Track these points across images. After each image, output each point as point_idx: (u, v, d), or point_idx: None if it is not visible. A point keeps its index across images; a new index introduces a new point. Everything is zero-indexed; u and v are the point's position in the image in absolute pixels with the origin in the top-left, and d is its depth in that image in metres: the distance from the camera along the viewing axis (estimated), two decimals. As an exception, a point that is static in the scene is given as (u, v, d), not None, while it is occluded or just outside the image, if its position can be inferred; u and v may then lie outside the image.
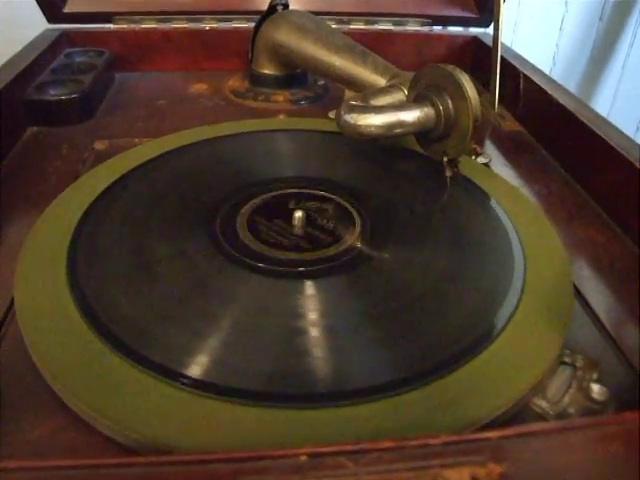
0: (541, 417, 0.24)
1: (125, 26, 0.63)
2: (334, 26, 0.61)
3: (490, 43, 0.43)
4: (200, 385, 0.23)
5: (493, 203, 0.37)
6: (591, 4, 0.94)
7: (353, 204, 0.36)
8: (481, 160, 0.44)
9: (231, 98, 0.57)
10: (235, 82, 0.59)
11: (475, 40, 0.67)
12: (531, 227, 0.34)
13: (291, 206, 0.35)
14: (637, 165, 0.36)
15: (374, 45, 0.51)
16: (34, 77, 0.52)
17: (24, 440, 0.22)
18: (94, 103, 0.53)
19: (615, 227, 0.38)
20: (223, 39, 0.63)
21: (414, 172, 0.41)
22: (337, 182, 0.39)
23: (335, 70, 0.49)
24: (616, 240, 0.37)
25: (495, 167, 0.45)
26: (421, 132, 0.38)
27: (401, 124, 0.36)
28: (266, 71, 0.57)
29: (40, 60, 0.54)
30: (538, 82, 0.52)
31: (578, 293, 0.31)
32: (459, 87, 0.36)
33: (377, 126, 0.36)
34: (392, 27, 0.67)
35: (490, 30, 0.66)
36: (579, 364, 0.26)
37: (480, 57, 0.65)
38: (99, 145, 0.46)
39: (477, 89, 0.36)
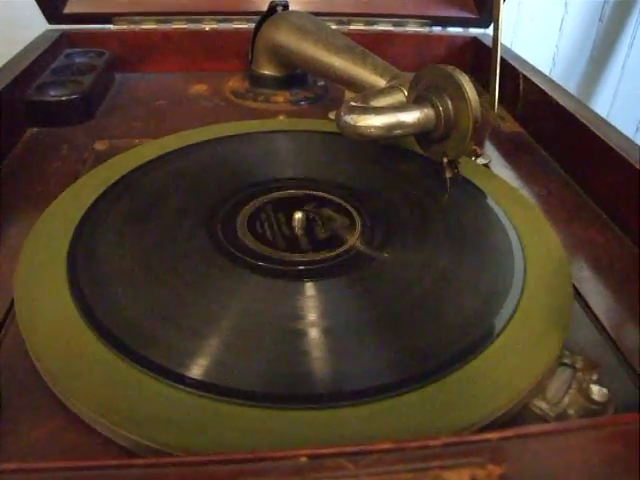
0: (541, 418, 0.24)
1: (125, 27, 0.63)
2: (334, 27, 0.61)
3: (490, 44, 0.43)
4: (200, 386, 0.23)
5: (493, 204, 0.37)
6: (591, 5, 0.94)
7: (353, 205, 0.36)
8: (481, 161, 0.44)
9: (231, 99, 0.57)
10: (235, 83, 0.59)
11: (475, 41, 0.67)
12: (531, 228, 0.34)
13: (291, 207, 0.35)
14: (637, 166, 0.36)
15: (374, 46, 0.51)
16: (34, 78, 0.52)
17: (24, 441, 0.22)
18: (94, 104, 0.53)
19: (615, 228, 0.38)
20: (223, 40, 0.63)
21: (414, 173, 0.41)
22: (337, 183, 0.39)
23: (335, 71, 0.49)
24: (616, 241, 0.37)
25: (495, 168, 0.45)
26: (421, 133, 0.38)
27: (401, 125, 0.36)
28: (266, 72, 0.57)
29: (40, 61, 0.54)
30: (538, 83, 0.52)
31: (578, 294, 0.31)
32: (459, 88, 0.36)
33: (377, 127, 0.36)
34: (392, 28, 0.67)
35: (490, 31, 0.66)
36: (579, 365, 0.26)
37: (480, 58, 0.65)
38: (99, 146, 0.46)
39: (477, 90, 0.36)
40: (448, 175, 0.38)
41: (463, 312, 0.28)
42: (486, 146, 0.49)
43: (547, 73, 0.59)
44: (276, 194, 0.37)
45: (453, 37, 0.67)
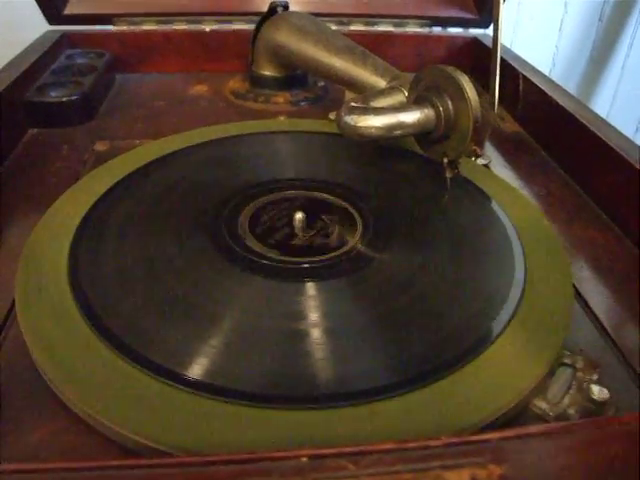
0: (541, 418, 0.24)
1: (125, 28, 0.63)
2: (334, 27, 0.61)
3: (490, 44, 0.43)
4: (201, 386, 0.23)
5: (493, 204, 0.37)
6: (590, 5, 0.95)
7: (354, 205, 0.36)
8: (481, 161, 0.44)
9: (231, 99, 0.57)
10: (235, 83, 0.59)
11: (475, 41, 0.67)
12: (531, 228, 0.34)
13: (291, 207, 0.35)
14: (637, 166, 0.36)
15: (374, 46, 0.51)
16: (35, 79, 0.52)
17: (24, 442, 0.22)
18: (94, 104, 0.53)
19: (615, 228, 0.38)
20: (223, 40, 0.64)
21: (414, 173, 0.41)
22: (337, 183, 0.39)
23: (335, 72, 0.49)
24: (616, 241, 0.37)
25: (495, 168, 0.45)
26: (421, 133, 0.38)
27: (401, 125, 0.37)
28: (266, 72, 0.57)
29: (40, 62, 0.54)
30: (538, 83, 0.52)
31: (578, 294, 0.31)
32: (459, 88, 0.36)
33: (377, 127, 0.36)
34: (392, 28, 0.67)
35: (490, 31, 0.66)
36: (579, 365, 0.26)
37: (480, 58, 0.65)
38: (100, 146, 0.46)
39: (477, 90, 0.36)
40: (448, 175, 0.38)
41: (463, 313, 0.28)
42: (486, 146, 0.49)
43: (547, 73, 0.59)
44: (276, 195, 0.37)
45: (453, 37, 0.67)
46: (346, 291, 0.29)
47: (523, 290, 0.29)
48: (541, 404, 0.24)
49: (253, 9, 0.64)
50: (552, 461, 0.17)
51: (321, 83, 0.60)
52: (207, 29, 0.64)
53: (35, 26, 0.61)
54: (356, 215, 0.35)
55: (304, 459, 0.17)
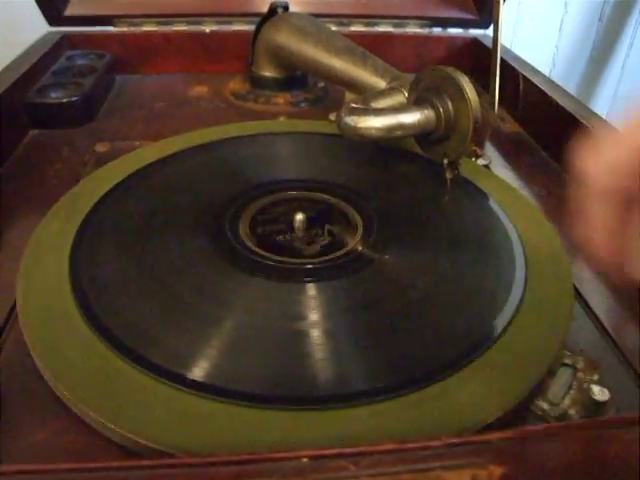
0: (542, 419, 0.24)
1: (125, 29, 0.63)
2: (334, 28, 0.61)
3: (490, 45, 0.43)
4: (201, 387, 0.23)
5: (493, 205, 0.37)
6: (590, 5, 0.95)
7: (354, 206, 0.36)
8: (481, 162, 0.44)
9: (232, 100, 0.57)
10: (235, 84, 0.60)
11: (475, 42, 0.67)
12: (531, 229, 0.34)
13: (292, 209, 0.35)
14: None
15: (374, 47, 0.51)
16: (35, 80, 0.52)
17: (26, 442, 0.22)
18: (95, 106, 0.53)
19: (615, 228, 0.38)
20: (223, 41, 0.64)
21: (415, 174, 0.41)
22: (338, 184, 0.39)
23: (335, 72, 0.49)
24: (616, 241, 0.37)
25: (495, 169, 0.45)
26: (421, 134, 0.38)
27: (401, 126, 0.37)
28: (266, 73, 0.57)
29: (41, 63, 0.54)
30: (538, 83, 0.52)
31: (578, 294, 0.31)
32: (459, 89, 0.36)
33: (377, 128, 0.36)
34: (392, 29, 0.67)
35: (490, 32, 0.66)
36: (579, 365, 0.26)
37: (480, 59, 0.65)
38: (100, 148, 0.46)
39: (477, 91, 0.36)
40: (449, 176, 0.38)
41: (464, 313, 0.28)
42: (486, 147, 0.49)
43: (547, 73, 0.59)
44: (277, 196, 0.37)
45: (453, 38, 0.67)
46: (346, 292, 0.29)
47: (524, 290, 0.29)
48: (542, 404, 0.24)
49: (253, 10, 0.64)
50: (553, 461, 0.17)
51: (321, 84, 0.60)
52: (207, 30, 0.64)
53: (35, 27, 0.61)
54: (356, 216, 0.35)
55: (305, 460, 0.17)
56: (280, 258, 0.31)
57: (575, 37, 0.97)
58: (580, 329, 0.29)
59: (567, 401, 0.24)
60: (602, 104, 1.04)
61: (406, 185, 0.40)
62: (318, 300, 0.28)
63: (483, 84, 0.45)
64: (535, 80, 0.53)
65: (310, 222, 0.34)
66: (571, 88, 0.99)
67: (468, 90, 0.36)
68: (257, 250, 0.32)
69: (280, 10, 0.56)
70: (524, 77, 0.54)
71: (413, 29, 0.67)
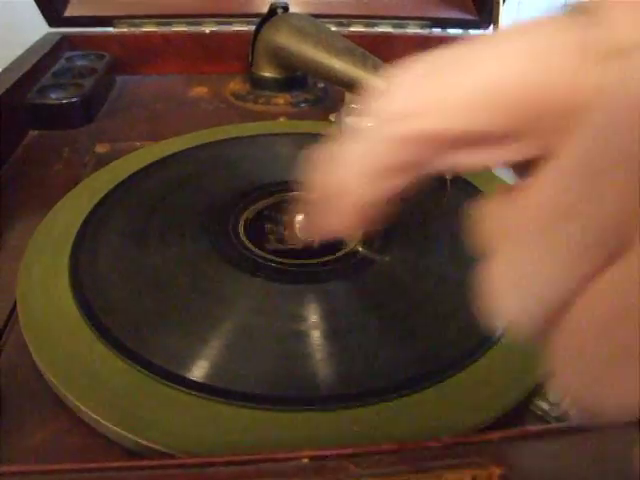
0: (542, 419, 0.24)
1: (125, 29, 0.63)
2: (334, 29, 0.61)
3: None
4: (201, 388, 0.23)
5: (493, 205, 0.37)
6: (590, 6, 0.95)
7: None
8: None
9: (232, 101, 0.57)
10: (235, 85, 0.60)
11: (475, 42, 0.67)
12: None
13: (292, 210, 0.35)
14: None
15: (374, 48, 0.51)
16: (35, 81, 0.52)
17: (26, 443, 0.22)
18: (95, 106, 0.53)
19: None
20: (223, 42, 0.64)
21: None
22: (337, 185, 0.39)
23: (335, 73, 0.49)
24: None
25: (496, 169, 0.45)
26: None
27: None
28: (266, 74, 0.57)
29: (41, 64, 0.54)
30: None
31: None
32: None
33: (377, 129, 0.36)
34: (392, 30, 0.67)
35: (490, 32, 0.66)
36: (580, 366, 0.26)
37: (480, 59, 0.65)
38: (100, 148, 0.46)
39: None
40: (448, 177, 0.38)
41: (465, 314, 0.28)
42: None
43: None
44: (277, 197, 0.37)
45: (453, 39, 0.67)
46: (347, 293, 0.29)
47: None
48: (542, 405, 0.24)
49: (253, 10, 0.64)
50: (553, 462, 0.18)
51: (321, 84, 0.60)
52: (207, 31, 0.64)
53: (35, 28, 0.61)
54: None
55: (305, 460, 0.17)
56: (280, 259, 0.31)
57: (575, 37, 0.97)
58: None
59: (567, 401, 0.24)
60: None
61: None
62: (318, 301, 0.28)
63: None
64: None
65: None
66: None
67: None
68: (257, 251, 0.32)
69: (280, 11, 0.56)
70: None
71: (413, 30, 0.67)
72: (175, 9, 0.64)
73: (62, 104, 0.49)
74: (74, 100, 0.49)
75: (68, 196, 0.36)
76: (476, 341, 0.26)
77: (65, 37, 0.61)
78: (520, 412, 0.24)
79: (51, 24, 0.62)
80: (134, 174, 0.39)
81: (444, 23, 0.69)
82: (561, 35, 0.11)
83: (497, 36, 0.13)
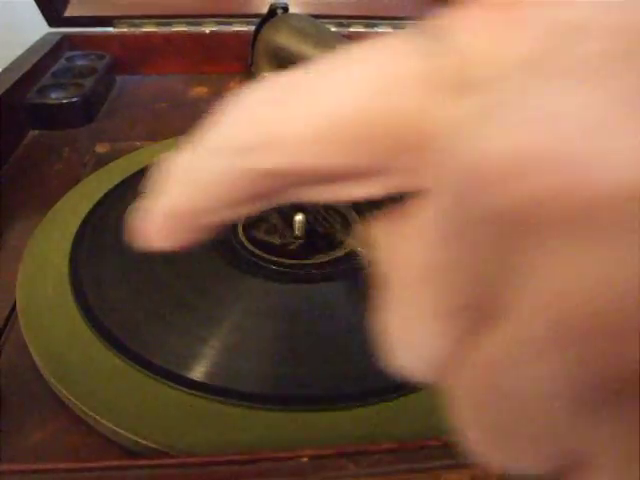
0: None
1: (126, 29, 0.63)
2: (334, 29, 0.61)
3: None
4: (201, 387, 0.23)
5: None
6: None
7: (355, 207, 0.36)
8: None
9: (232, 101, 0.57)
10: (236, 85, 0.60)
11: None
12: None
13: (292, 209, 0.35)
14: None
15: (374, 48, 0.51)
16: (35, 81, 0.52)
17: (26, 442, 0.22)
18: (95, 106, 0.53)
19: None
20: (223, 42, 0.64)
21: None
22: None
23: (335, 73, 0.49)
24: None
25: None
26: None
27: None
28: (266, 74, 0.57)
29: (41, 64, 0.54)
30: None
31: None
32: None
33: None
34: (392, 30, 0.67)
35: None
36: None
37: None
38: (100, 148, 0.46)
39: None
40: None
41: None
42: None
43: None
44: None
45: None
46: (346, 292, 0.29)
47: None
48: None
49: (253, 11, 0.64)
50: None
51: (321, 85, 0.60)
52: (207, 31, 0.64)
53: (35, 28, 0.61)
54: (356, 216, 0.35)
55: (305, 459, 0.17)
56: (280, 259, 0.31)
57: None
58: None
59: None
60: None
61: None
62: (318, 300, 0.28)
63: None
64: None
65: (310, 223, 0.34)
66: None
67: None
68: (257, 251, 0.32)
69: (280, 11, 0.56)
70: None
71: (413, 30, 0.67)
72: (175, 9, 0.64)
73: (62, 104, 0.49)
74: (74, 100, 0.49)
75: (68, 196, 0.36)
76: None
77: (65, 37, 0.61)
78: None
79: (51, 24, 0.62)
80: (134, 174, 0.39)
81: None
82: (407, 62, 0.10)
83: (343, 59, 0.11)
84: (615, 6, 0.08)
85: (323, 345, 0.26)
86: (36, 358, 0.25)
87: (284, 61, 0.55)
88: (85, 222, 0.34)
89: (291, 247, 0.32)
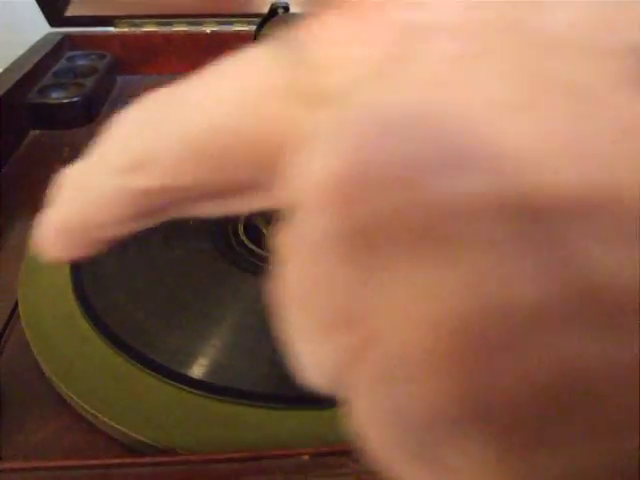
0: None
1: (126, 29, 0.63)
2: (334, 29, 0.61)
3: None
4: (202, 386, 0.23)
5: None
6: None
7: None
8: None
9: (232, 101, 0.57)
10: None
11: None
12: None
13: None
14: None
15: (374, 48, 0.51)
16: (36, 81, 0.52)
17: (28, 441, 0.22)
18: (96, 106, 0.53)
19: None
20: (224, 42, 0.64)
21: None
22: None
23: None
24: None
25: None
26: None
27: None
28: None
29: (42, 64, 0.54)
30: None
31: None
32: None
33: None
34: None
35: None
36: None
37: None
38: (101, 148, 0.46)
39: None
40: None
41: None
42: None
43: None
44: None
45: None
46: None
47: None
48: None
49: (254, 11, 0.64)
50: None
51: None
52: (208, 31, 0.64)
53: (36, 28, 0.61)
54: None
55: (306, 457, 0.17)
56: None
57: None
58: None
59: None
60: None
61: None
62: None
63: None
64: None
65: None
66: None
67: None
68: (257, 250, 0.32)
69: (280, 11, 0.56)
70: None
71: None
72: (176, 9, 0.64)
73: (63, 104, 0.49)
74: (75, 100, 0.50)
75: (69, 195, 0.36)
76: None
77: (66, 37, 0.61)
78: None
79: (52, 24, 0.62)
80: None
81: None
82: (268, 75, 0.10)
83: (213, 74, 0.11)
84: (468, 7, 0.08)
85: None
86: (37, 357, 0.25)
87: (285, 61, 0.55)
88: (86, 221, 0.34)
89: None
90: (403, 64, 0.08)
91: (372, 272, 0.08)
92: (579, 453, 0.07)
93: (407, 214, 0.07)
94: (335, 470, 0.17)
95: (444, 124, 0.07)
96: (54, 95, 0.51)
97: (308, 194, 0.08)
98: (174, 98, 0.11)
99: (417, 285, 0.07)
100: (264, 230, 0.32)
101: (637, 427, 0.06)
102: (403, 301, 0.07)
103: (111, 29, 0.63)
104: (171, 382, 0.23)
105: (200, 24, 0.64)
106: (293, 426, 0.22)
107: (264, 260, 0.31)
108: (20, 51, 0.56)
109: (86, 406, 0.22)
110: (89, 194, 0.12)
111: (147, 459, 0.18)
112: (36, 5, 0.60)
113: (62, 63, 0.57)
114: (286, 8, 0.56)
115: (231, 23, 0.65)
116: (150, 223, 0.12)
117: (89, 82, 0.52)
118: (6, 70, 0.51)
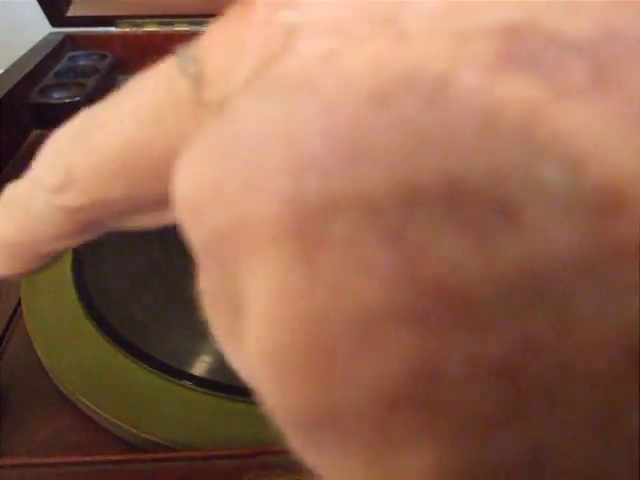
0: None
1: (128, 29, 0.63)
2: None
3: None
4: (204, 383, 0.23)
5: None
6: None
7: None
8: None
9: (233, 100, 0.57)
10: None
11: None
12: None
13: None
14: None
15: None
16: (38, 80, 0.52)
17: (30, 439, 0.23)
18: (97, 106, 0.53)
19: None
20: (225, 42, 0.64)
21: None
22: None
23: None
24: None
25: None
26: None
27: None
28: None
29: (44, 64, 0.54)
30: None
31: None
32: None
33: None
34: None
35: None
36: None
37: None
38: (102, 148, 0.46)
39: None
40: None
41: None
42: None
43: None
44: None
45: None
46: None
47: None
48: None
49: (255, 10, 0.64)
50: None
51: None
52: (209, 31, 0.64)
53: (37, 28, 0.61)
54: None
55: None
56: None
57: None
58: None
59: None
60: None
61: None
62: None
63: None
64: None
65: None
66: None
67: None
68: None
69: (281, 10, 0.56)
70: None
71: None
72: (177, 9, 0.64)
73: (65, 104, 0.49)
74: (77, 100, 0.50)
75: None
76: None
77: (68, 37, 0.62)
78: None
79: (54, 24, 0.62)
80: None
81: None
82: (171, 87, 0.10)
83: (128, 88, 0.11)
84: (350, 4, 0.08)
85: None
86: (40, 355, 0.25)
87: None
88: (88, 220, 0.34)
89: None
90: (280, 65, 0.08)
91: (233, 279, 0.08)
92: (441, 452, 0.06)
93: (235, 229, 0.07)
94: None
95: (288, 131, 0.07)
96: (56, 95, 0.51)
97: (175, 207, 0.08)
98: (93, 115, 0.12)
99: (274, 288, 0.07)
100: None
101: (478, 422, 0.06)
102: (265, 302, 0.07)
103: (112, 29, 0.63)
104: (173, 380, 0.23)
105: (201, 24, 0.64)
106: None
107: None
108: (21, 51, 0.56)
109: (88, 403, 0.23)
110: (23, 211, 0.12)
111: (149, 455, 0.18)
112: (37, 5, 0.60)
113: (63, 63, 0.57)
114: (287, 7, 0.56)
115: (232, 23, 0.65)
116: (90, 236, 0.13)
117: (91, 82, 0.53)
118: (7, 70, 0.51)
